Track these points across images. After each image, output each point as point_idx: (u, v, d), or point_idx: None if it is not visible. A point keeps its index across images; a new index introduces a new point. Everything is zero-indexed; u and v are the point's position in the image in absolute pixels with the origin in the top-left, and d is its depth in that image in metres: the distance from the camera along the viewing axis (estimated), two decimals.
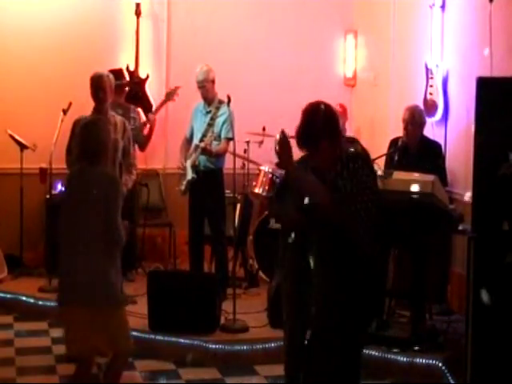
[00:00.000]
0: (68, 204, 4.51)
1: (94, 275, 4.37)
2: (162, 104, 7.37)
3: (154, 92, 8.09)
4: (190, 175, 6.77)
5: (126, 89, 7.51)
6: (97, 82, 6.05)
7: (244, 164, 7.17)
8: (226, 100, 6.31)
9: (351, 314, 3.93)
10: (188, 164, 6.80)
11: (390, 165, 6.16)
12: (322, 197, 3.90)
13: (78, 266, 4.38)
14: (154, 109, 7.70)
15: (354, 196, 3.85)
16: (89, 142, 4.46)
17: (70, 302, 4.45)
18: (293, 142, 3.97)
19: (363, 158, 4.02)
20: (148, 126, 7.37)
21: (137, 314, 6.12)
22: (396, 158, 6.19)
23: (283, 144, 3.93)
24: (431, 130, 6.72)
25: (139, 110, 7.60)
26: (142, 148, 7.44)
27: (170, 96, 7.26)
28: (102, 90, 5.98)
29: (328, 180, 3.94)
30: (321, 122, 3.95)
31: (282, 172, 7.33)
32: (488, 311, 4.77)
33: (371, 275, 3.99)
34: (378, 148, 7.15)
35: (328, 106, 4.04)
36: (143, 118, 7.55)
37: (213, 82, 6.81)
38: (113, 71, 7.39)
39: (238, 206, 7.04)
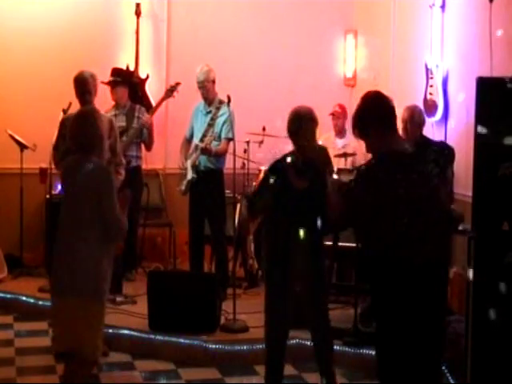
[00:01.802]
0: (64, 195, 4.49)
1: (84, 266, 4.24)
2: (162, 101, 7.35)
3: (154, 92, 8.09)
4: (190, 175, 6.77)
5: (125, 88, 7.50)
6: (81, 83, 6.00)
7: (244, 164, 7.17)
8: (226, 100, 6.31)
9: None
10: (188, 164, 6.81)
11: None
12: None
13: (68, 257, 4.28)
14: (153, 107, 7.71)
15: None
16: (83, 132, 4.39)
17: (58, 294, 4.35)
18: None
19: (418, 155, 4.05)
20: (144, 125, 7.36)
21: (137, 314, 6.13)
22: None
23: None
24: (431, 130, 6.72)
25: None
26: (148, 148, 7.43)
27: (170, 92, 7.24)
28: (87, 92, 5.95)
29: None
30: (374, 108, 3.98)
31: None
32: (488, 311, 4.77)
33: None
34: None
35: (387, 97, 4.07)
36: None
37: (213, 82, 6.81)
38: (114, 69, 7.42)
39: (238, 205, 7.05)
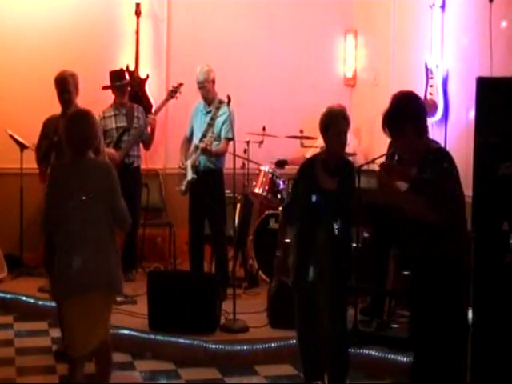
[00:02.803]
0: (61, 195, 4.45)
1: (109, 261, 4.40)
2: (165, 101, 7.35)
3: (154, 92, 8.09)
4: (190, 175, 6.77)
5: (129, 88, 7.51)
6: (61, 83, 5.97)
7: (244, 164, 7.17)
8: (226, 100, 6.31)
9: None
10: (188, 164, 6.80)
11: None
12: (425, 215, 3.91)
13: (89, 254, 4.33)
14: (155, 108, 7.71)
15: (441, 193, 3.87)
16: (79, 132, 4.44)
17: (71, 295, 4.36)
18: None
19: (447, 154, 4.06)
20: (149, 125, 7.37)
21: (137, 314, 6.13)
22: (396, 157, 6.18)
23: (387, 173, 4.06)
24: (431, 130, 6.70)
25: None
26: (147, 147, 7.46)
27: (172, 93, 7.24)
28: (66, 91, 5.92)
29: (411, 176, 4.01)
30: (410, 106, 4.01)
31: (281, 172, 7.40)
32: (488, 311, 4.77)
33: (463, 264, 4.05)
34: (377, 148, 7.17)
35: (418, 96, 4.13)
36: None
37: (213, 82, 6.81)
38: (113, 72, 7.41)
39: (238, 205, 7.04)
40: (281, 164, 7.53)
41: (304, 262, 4.68)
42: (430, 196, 3.86)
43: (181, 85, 7.20)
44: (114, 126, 7.23)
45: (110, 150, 7.04)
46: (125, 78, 7.43)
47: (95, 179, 4.41)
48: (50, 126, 6.00)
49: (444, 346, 3.98)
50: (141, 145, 7.42)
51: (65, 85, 5.91)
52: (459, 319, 4.07)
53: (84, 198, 4.36)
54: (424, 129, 4.03)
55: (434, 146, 4.06)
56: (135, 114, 7.31)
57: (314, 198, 4.62)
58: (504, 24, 5.92)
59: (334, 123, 4.66)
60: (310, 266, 4.65)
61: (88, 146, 4.46)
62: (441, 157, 3.98)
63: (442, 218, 3.86)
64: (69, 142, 4.52)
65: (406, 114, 3.98)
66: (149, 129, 7.36)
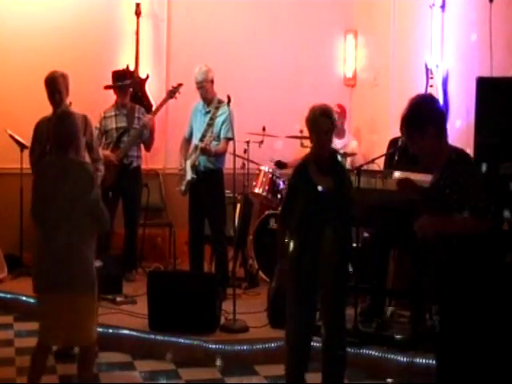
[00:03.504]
0: (43, 193, 4.58)
1: (81, 262, 4.48)
2: (164, 102, 7.35)
3: (154, 92, 8.09)
4: (189, 175, 6.77)
5: (131, 89, 7.52)
6: (51, 84, 5.97)
7: (244, 164, 7.17)
8: (225, 100, 6.31)
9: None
10: (188, 164, 6.80)
11: (390, 165, 6.16)
12: (474, 229, 3.84)
13: (64, 255, 4.46)
14: (154, 108, 7.71)
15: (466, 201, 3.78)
16: (60, 132, 4.64)
17: (48, 289, 4.51)
18: None
19: (469, 158, 4.02)
20: (146, 126, 7.37)
21: (137, 314, 6.13)
22: (396, 157, 6.19)
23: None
24: None
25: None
26: (148, 148, 7.46)
27: (172, 93, 7.25)
28: (57, 92, 5.92)
29: (432, 182, 3.96)
30: (428, 109, 3.96)
31: (282, 172, 7.39)
32: (488, 311, 4.76)
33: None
34: (377, 148, 7.17)
35: (435, 98, 4.09)
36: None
37: (212, 82, 6.81)
38: (116, 72, 7.42)
39: (238, 205, 7.04)
40: (280, 165, 7.53)
41: (304, 264, 4.65)
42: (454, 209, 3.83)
43: (180, 85, 7.20)
44: (114, 126, 7.23)
45: (106, 152, 7.04)
46: (127, 78, 7.43)
47: (74, 179, 4.52)
48: (40, 129, 6.02)
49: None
50: (142, 145, 7.43)
51: (55, 85, 5.91)
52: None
53: (63, 199, 4.47)
54: (443, 132, 3.99)
55: (454, 151, 3.99)
56: (136, 114, 7.31)
57: (310, 203, 4.61)
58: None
59: (316, 122, 4.65)
60: (310, 265, 4.64)
61: (68, 147, 4.59)
62: (464, 165, 3.91)
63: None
64: (52, 143, 4.76)
65: (427, 116, 3.94)
66: (146, 129, 7.36)
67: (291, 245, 4.71)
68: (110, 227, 7.16)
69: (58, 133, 4.68)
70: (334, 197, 4.62)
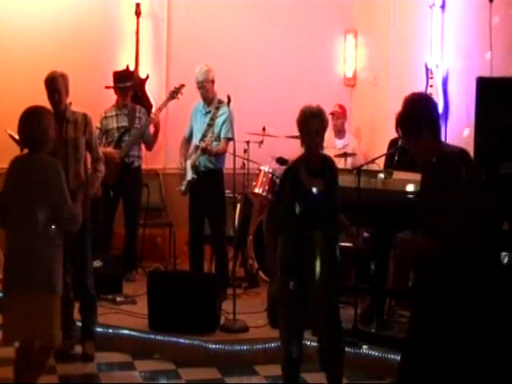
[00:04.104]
0: (12, 190, 4.58)
1: (41, 261, 4.46)
2: (166, 102, 7.35)
3: (154, 92, 8.09)
4: (190, 175, 6.77)
5: (131, 91, 7.52)
6: (51, 84, 5.97)
7: (244, 164, 7.17)
8: (225, 100, 6.31)
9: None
10: (188, 164, 6.80)
11: (390, 165, 6.16)
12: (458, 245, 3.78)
13: (25, 253, 4.46)
14: (155, 108, 7.72)
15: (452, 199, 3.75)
16: (30, 129, 4.70)
17: (11, 288, 4.53)
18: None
19: (462, 156, 3.97)
20: (152, 125, 7.38)
21: (137, 314, 6.13)
22: (396, 157, 6.19)
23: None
24: None
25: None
26: (149, 147, 7.47)
27: (174, 94, 7.25)
28: (57, 92, 5.92)
29: (422, 178, 3.97)
30: (423, 108, 3.95)
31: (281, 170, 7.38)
32: (488, 311, 4.76)
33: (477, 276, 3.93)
34: (378, 148, 7.18)
35: (430, 97, 4.10)
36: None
37: (212, 82, 6.81)
38: (117, 73, 7.42)
39: (238, 205, 7.04)
40: (282, 162, 7.51)
41: (292, 266, 4.62)
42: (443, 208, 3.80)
43: (182, 86, 7.21)
44: (115, 125, 7.24)
45: (108, 149, 7.05)
46: (128, 79, 7.43)
47: (39, 177, 4.52)
48: None
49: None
50: (142, 145, 7.43)
51: (54, 85, 5.91)
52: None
53: (28, 197, 4.49)
54: (438, 131, 4.00)
55: (448, 149, 3.99)
56: (137, 114, 7.32)
57: (299, 205, 4.56)
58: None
59: (306, 122, 4.64)
60: (298, 268, 4.62)
61: (37, 144, 4.63)
62: (452, 165, 3.87)
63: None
64: (21, 140, 4.82)
65: (422, 115, 3.95)
66: (152, 127, 7.37)
67: (280, 243, 4.68)
68: (109, 227, 7.24)
69: (25, 130, 4.75)
70: (323, 199, 4.60)
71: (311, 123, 4.62)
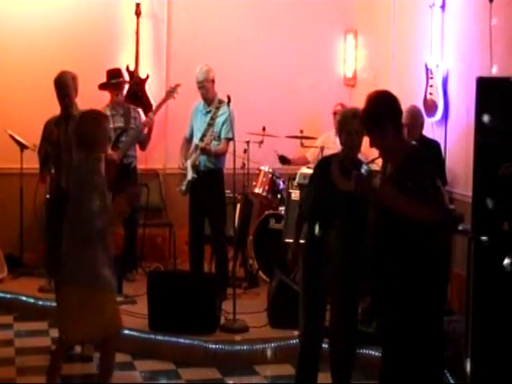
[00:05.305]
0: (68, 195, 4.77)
1: (77, 260, 4.61)
2: (163, 102, 7.35)
3: (154, 92, 8.09)
4: (190, 175, 6.77)
5: (126, 87, 7.51)
6: (60, 85, 5.97)
7: (244, 164, 7.17)
8: (226, 100, 6.31)
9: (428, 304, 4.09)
10: (188, 164, 6.81)
11: None
12: (429, 213, 4.00)
13: (68, 252, 4.66)
14: (154, 108, 7.71)
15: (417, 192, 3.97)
16: (88, 132, 4.70)
17: (65, 284, 4.71)
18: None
19: (424, 153, 4.20)
20: (146, 125, 7.37)
21: (137, 314, 6.13)
22: None
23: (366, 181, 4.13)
24: (431, 129, 6.73)
25: (139, 110, 7.60)
26: (143, 147, 7.46)
27: (170, 94, 7.24)
28: (67, 96, 5.93)
29: (388, 173, 4.14)
30: (386, 106, 4.11)
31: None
32: (488, 311, 4.77)
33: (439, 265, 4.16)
34: None
35: (393, 95, 4.21)
36: (143, 117, 7.54)
37: (213, 81, 6.81)
38: (110, 70, 7.41)
39: (238, 205, 7.04)
40: (283, 160, 7.51)
41: (316, 262, 4.66)
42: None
43: (178, 85, 7.19)
44: (111, 126, 7.21)
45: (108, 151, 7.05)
46: (121, 76, 7.43)
47: (80, 179, 4.66)
48: (48, 128, 6.02)
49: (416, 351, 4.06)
50: (137, 145, 7.43)
51: (65, 89, 5.93)
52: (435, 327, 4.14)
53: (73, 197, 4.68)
54: (401, 128, 4.17)
55: (411, 144, 4.22)
56: (132, 114, 7.32)
57: (327, 199, 4.62)
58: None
59: (345, 123, 4.67)
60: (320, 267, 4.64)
61: (93, 147, 4.68)
62: (418, 159, 4.10)
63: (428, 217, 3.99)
64: (76, 142, 4.79)
65: (385, 113, 4.07)
66: (146, 129, 7.35)
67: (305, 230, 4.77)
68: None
69: (82, 132, 4.73)
70: (349, 199, 4.56)
71: (352, 124, 4.63)
